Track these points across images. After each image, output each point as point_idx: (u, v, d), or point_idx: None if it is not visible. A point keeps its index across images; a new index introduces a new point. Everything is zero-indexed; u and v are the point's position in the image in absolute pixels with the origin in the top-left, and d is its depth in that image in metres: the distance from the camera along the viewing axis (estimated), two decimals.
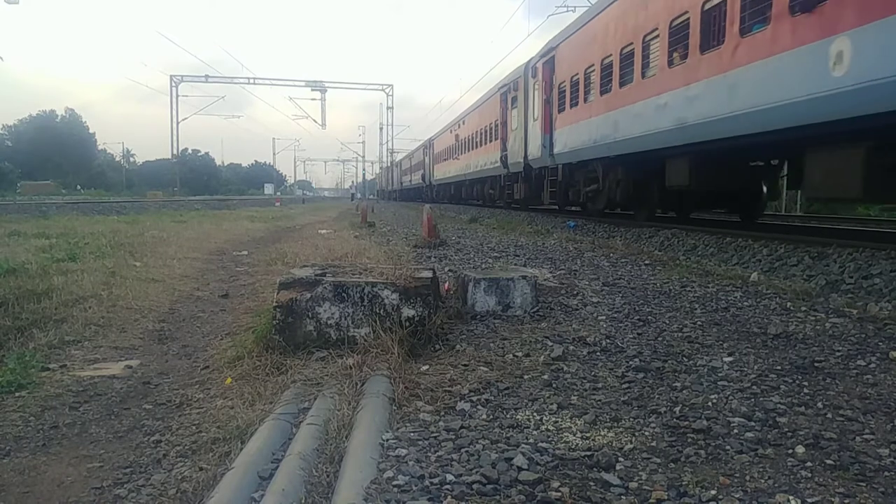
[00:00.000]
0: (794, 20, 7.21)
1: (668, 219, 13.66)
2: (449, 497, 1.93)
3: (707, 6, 9.12)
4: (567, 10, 27.85)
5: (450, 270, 6.35)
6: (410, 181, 55.36)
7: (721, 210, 13.48)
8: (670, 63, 10.26)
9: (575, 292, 5.22)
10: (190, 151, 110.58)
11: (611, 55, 12.70)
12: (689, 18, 9.64)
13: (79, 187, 75.22)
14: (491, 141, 24.33)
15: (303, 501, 2.04)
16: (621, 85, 12.27)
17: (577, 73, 14.79)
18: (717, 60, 8.85)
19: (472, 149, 28.28)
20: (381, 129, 71.66)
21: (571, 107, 15.21)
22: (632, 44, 11.73)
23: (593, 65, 13.67)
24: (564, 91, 15.70)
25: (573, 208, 17.49)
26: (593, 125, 13.66)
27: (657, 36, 10.74)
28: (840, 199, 9.60)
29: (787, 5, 7.28)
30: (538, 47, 18.23)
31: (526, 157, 19.11)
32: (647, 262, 7.34)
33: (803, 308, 4.55)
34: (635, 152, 11.72)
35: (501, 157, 22.36)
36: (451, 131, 34.52)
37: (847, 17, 6.39)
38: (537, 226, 14.76)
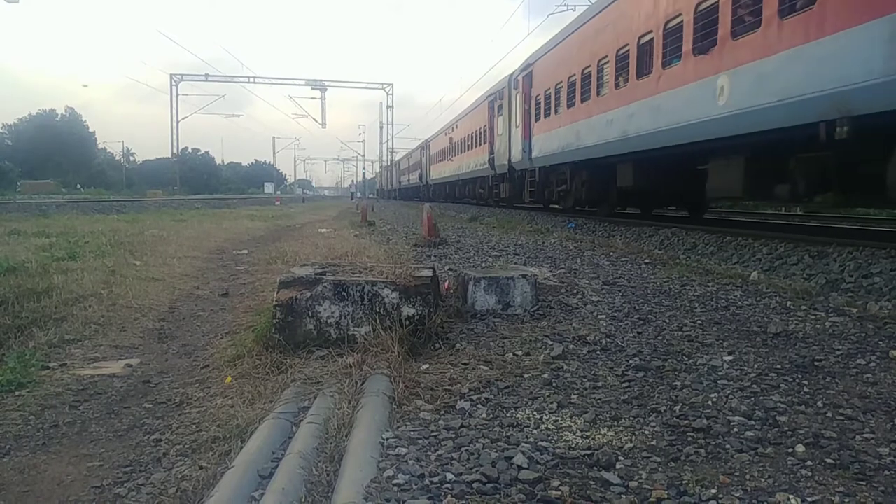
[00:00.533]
0: (696, 59, 9.29)
1: (667, 217, 14.65)
2: (449, 496, 1.93)
3: (642, 41, 11.17)
4: (567, 9, 27.86)
5: (450, 269, 6.35)
6: (409, 181, 56.85)
7: (672, 207, 15.46)
8: (617, 85, 12.35)
9: (575, 291, 5.22)
10: (190, 150, 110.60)
11: (574, 75, 14.75)
12: (629, 49, 11.68)
13: (79, 186, 75.22)
14: (480, 144, 26.34)
15: (303, 500, 2.04)
16: (582, 101, 14.31)
17: (549, 88, 16.88)
18: (648, 86, 10.89)
19: (464, 151, 30.29)
20: (381, 127, 71.69)
21: (545, 117, 17.27)
22: (590, 66, 13.78)
23: (562, 81, 15.75)
24: (540, 103, 17.81)
25: (558, 206, 19.25)
26: (562, 134, 15.70)
27: (608, 62, 12.77)
28: (728, 197, 11.83)
29: (692, 47, 9.34)
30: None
31: (510, 160, 21.13)
32: (647, 260, 7.34)
33: (803, 307, 4.55)
34: (594, 158, 13.66)
35: (489, 160, 24.47)
36: (445, 134, 36.55)
37: (727, 60, 8.52)
38: (537, 225, 14.76)
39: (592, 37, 13.74)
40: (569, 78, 15.09)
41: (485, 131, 25.49)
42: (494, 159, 23.78)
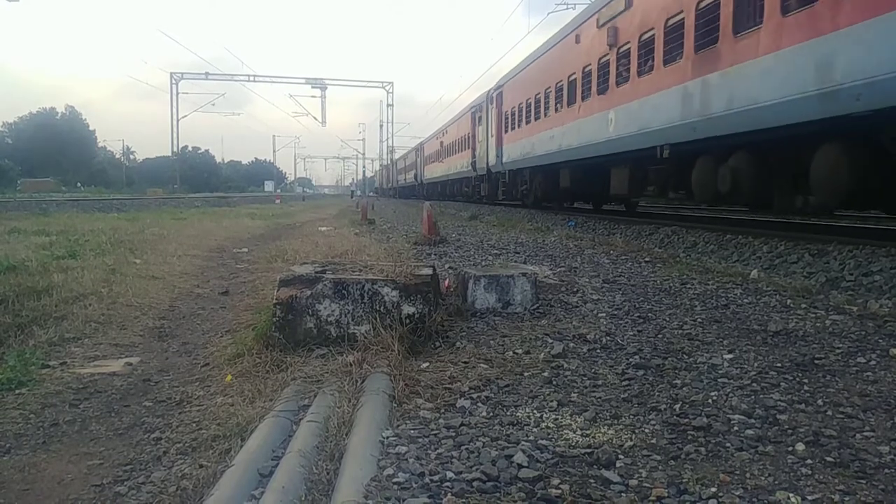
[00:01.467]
0: (599, 97, 13.44)
1: (665, 216, 15.13)
2: (449, 494, 1.93)
3: (570, 78, 15.41)
4: (567, 7, 27.86)
5: (450, 268, 6.34)
6: (405, 180, 60.34)
7: (610, 203, 18.49)
8: (557, 109, 16.55)
9: (575, 289, 5.22)
10: (190, 149, 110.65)
11: (530, 98, 19.13)
12: (563, 85, 16.05)
13: (79, 185, 75.25)
14: (465, 149, 30.73)
15: (303, 499, 2.03)
16: (535, 119, 18.61)
17: (514, 107, 21.21)
18: (573, 112, 15.14)
19: (453, 154, 34.72)
20: (381, 126, 71.72)
21: (512, 129, 21.55)
22: (539, 93, 18.17)
23: (522, 102, 20.12)
24: (508, 118, 22.08)
25: (523, 203, 22.98)
26: (523, 144, 19.85)
27: (550, 91, 17.06)
28: (620, 197, 15.33)
29: (597, 88, 13.54)
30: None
31: (487, 163, 25.37)
32: (647, 259, 7.34)
33: (803, 305, 4.54)
34: (544, 165, 17.90)
35: (471, 163, 28.77)
36: (437, 138, 40.79)
37: (614, 100, 12.68)
38: (537, 223, 14.76)
39: (541, 70, 18.23)
40: (526, 100, 19.55)
41: (468, 138, 29.63)
42: (476, 163, 27.86)
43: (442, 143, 38.23)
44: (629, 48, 11.85)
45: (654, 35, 10.82)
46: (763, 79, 7.85)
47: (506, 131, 22.21)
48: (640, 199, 16.34)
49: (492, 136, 24.37)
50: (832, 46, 6.75)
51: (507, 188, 23.29)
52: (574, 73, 14.92)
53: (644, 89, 11.20)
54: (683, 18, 9.83)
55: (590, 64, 13.82)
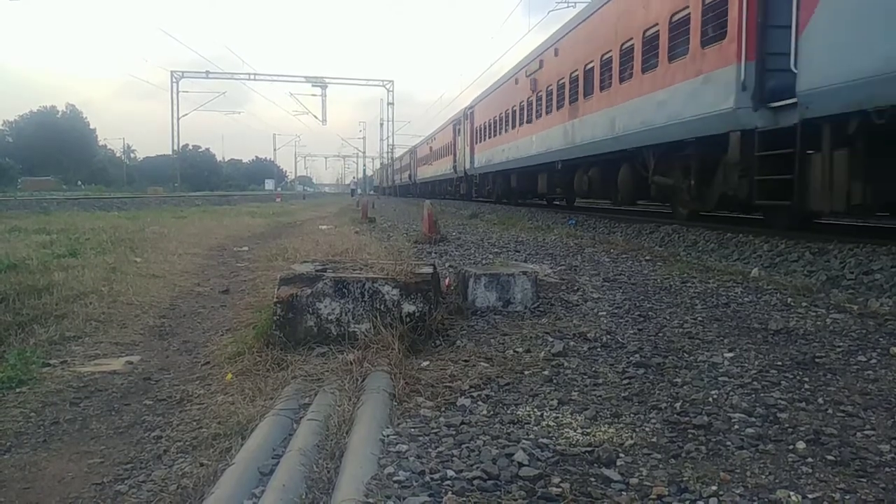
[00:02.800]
0: (527, 125, 19.77)
1: (664, 215, 14.95)
2: (449, 493, 1.93)
3: (513, 109, 21.76)
4: (567, 6, 27.83)
5: (450, 266, 6.34)
6: (401, 179, 64.98)
7: (557, 200, 23.17)
8: (506, 130, 22.81)
9: (575, 288, 5.22)
10: (190, 147, 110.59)
11: (491, 119, 25.50)
12: (508, 113, 22.53)
13: (80, 183, 75.28)
14: (448, 155, 36.90)
15: (303, 497, 2.03)
16: (493, 136, 25.06)
17: (481, 124, 27.82)
18: (514, 134, 21.50)
19: (439, 158, 40.59)
20: (381, 125, 71.74)
21: (480, 142, 28.16)
22: (496, 116, 24.57)
23: (485, 122, 26.69)
24: (477, 132, 28.78)
25: (491, 199, 29.23)
26: (487, 154, 26.45)
27: (502, 116, 23.35)
28: (545, 195, 21.02)
29: (525, 119, 20.07)
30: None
31: (465, 167, 31.80)
32: (647, 257, 7.34)
33: (804, 304, 4.54)
34: (500, 171, 24.54)
35: (453, 166, 35.15)
36: (427, 144, 46.90)
37: (535, 129, 18.99)
38: (538, 222, 14.77)
39: (497, 99, 24.66)
40: (488, 121, 25.97)
41: (450, 145, 35.79)
42: (456, 166, 33.79)
43: (431, 148, 43.87)
44: (542, 94, 18.30)
45: (552, 89, 17.27)
46: (594, 125, 14.00)
47: (476, 142, 28.83)
48: (559, 195, 21.07)
49: (467, 145, 30.88)
50: (615, 113, 12.81)
51: (479, 188, 29.85)
52: (514, 106, 21.56)
53: (548, 123, 17.55)
54: (564, 82, 16.20)
55: (522, 101, 20.32)
